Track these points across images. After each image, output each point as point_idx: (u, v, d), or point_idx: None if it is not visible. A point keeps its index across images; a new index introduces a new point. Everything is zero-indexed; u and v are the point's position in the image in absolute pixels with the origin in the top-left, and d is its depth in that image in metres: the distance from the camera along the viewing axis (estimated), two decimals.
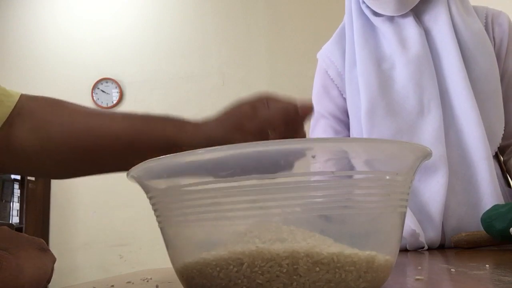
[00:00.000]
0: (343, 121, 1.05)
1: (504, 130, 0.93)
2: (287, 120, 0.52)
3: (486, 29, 0.97)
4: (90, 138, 0.55)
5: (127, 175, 0.37)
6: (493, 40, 0.97)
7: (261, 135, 0.51)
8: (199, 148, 0.41)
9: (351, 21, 1.02)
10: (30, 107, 0.56)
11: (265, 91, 0.57)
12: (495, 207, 0.77)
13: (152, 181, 0.36)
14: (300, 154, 0.31)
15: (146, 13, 3.33)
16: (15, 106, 0.55)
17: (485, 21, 0.98)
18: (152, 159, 0.34)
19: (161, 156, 0.33)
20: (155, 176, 0.35)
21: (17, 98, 0.56)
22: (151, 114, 0.57)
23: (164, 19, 3.31)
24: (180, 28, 3.30)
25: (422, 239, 0.85)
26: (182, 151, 0.48)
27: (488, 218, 0.75)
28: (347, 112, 1.03)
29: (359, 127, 0.97)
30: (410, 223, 0.84)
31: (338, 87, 1.05)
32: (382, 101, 0.93)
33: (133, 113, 0.58)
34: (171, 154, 0.32)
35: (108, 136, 0.55)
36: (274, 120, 0.51)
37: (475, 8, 0.99)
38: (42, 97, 0.58)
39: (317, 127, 1.06)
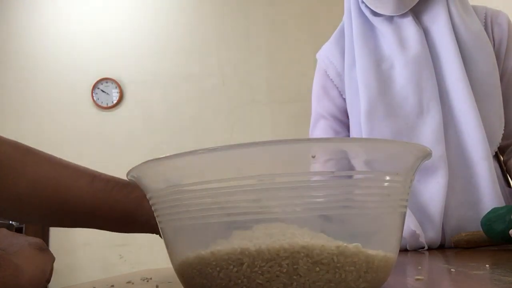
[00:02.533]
0: (343, 121, 1.05)
1: (503, 130, 0.93)
2: None
3: (486, 29, 0.97)
4: (56, 197, 0.57)
5: (127, 175, 0.37)
6: (493, 40, 0.97)
7: None
8: (155, 226, 0.44)
9: (350, 21, 1.02)
10: (4, 155, 0.56)
11: None
12: (494, 210, 0.76)
13: (152, 181, 0.36)
14: (300, 154, 0.31)
15: (146, 13, 3.33)
16: None
17: (484, 20, 0.98)
18: (152, 159, 0.33)
19: (161, 156, 0.33)
20: (155, 176, 0.35)
21: None
22: (115, 183, 0.59)
23: (164, 19, 3.32)
24: (180, 28, 3.30)
25: (422, 239, 0.85)
26: (139, 227, 0.57)
27: (488, 221, 0.75)
28: (347, 113, 1.03)
29: (358, 128, 0.97)
30: (410, 223, 0.84)
31: (337, 88, 1.05)
32: (382, 101, 0.93)
33: (98, 176, 0.59)
34: (171, 154, 0.32)
35: (73, 200, 0.57)
36: None
37: (474, 8, 0.99)
38: (13, 142, 0.58)
39: (316, 127, 1.06)
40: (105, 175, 0.61)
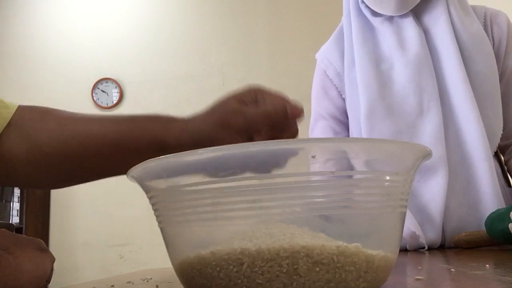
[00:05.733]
0: (343, 122, 1.04)
1: (503, 130, 0.93)
2: (275, 119, 0.50)
3: (485, 29, 0.97)
4: (76, 143, 0.55)
5: (127, 175, 0.37)
6: (492, 39, 0.97)
7: (247, 133, 0.50)
8: (185, 146, 0.42)
9: (349, 21, 1.02)
10: (20, 117, 0.56)
11: (255, 84, 0.54)
12: (496, 210, 0.77)
13: (152, 181, 0.36)
14: (300, 154, 0.31)
15: (146, 13, 3.33)
16: (11, 118, 0.55)
17: (483, 20, 0.98)
18: (152, 159, 0.33)
19: (161, 156, 0.33)
20: (155, 176, 0.35)
21: (14, 110, 0.56)
22: (138, 114, 0.57)
23: (164, 19, 3.32)
24: (180, 28, 3.30)
25: (423, 240, 0.85)
26: (169, 151, 0.46)
27: (489, 220, 0.75)
28: (346, 113, 1.03)
29: (358, 128, 0.97)
30: (410, 225, 0.84)
31: (337, 88, 1.04)
32: (382, 102, 0.93)
33: (121, 115, 0.58)
34: (171, 154, 0.32)
35: (94, 140, 0.55)
36: (260, 118, 0.49)
37: (474, 8, 0.99)
38: (36, 106, 0.58)
39: (316, 128, 1.06)
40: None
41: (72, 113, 0.58)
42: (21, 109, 0.57)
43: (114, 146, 0.54)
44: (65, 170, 0.57)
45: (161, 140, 0.53)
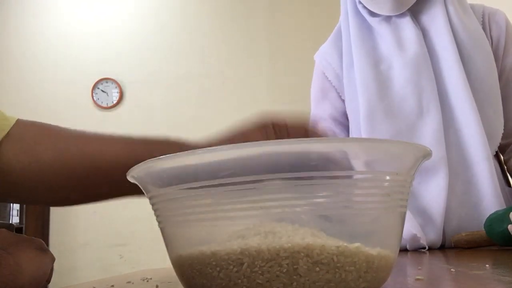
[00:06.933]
0: (343, 123, 1.04)
1: (503, 129, 0.93)
2: None
3: (483, 28, 0.97)
4: (86, 163, 0.53)
5: (127, 175, 0.37)
6: (490, 38, 0.97)
7: None
8: None
9: (347, 22, 1.02)
10: (21, 131, 0.54)
11: (267, 112, 0.50)
12: (495, 212, 0.77)
13: (152, 181, 0.36)
14: (301, 154, 0.31)
15: (146, 13, 3.33)
16: (9, 131, 0.54)
17: (482, 19, 0.98)
18: (152, 159, 0.33)
19: (161, 156, 0.33)
20: (155, 176, 0.35)
21: (12, 123, 0.55)
22: (150, 137, 0.55)
23: (164, 19, 3.32)
24: (180, 28, 3.30)
25: (423, 241, 0.84)
26: None
27: (488, 222, 0.75)
28: (346, 115, 1.03)
29: (358, 129, 0.97)
30: (411, 227, 0.84)
31: (336, 89, 1.04)
32: (381, 103, 0.93)
33: (132, 137, 0.56)
34: (171, 154, 0.32)
35: (105, 162, 0.53)
36: None
37: (472, 6, 0.99)
38: (35, 122, 0.57)
39: None
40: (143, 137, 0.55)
41: (79, 131, 0.56)
42: (21, 123, 0.55)
43: (126, 170, 0.52)
44: (69, 190, 0.55)
45: None
